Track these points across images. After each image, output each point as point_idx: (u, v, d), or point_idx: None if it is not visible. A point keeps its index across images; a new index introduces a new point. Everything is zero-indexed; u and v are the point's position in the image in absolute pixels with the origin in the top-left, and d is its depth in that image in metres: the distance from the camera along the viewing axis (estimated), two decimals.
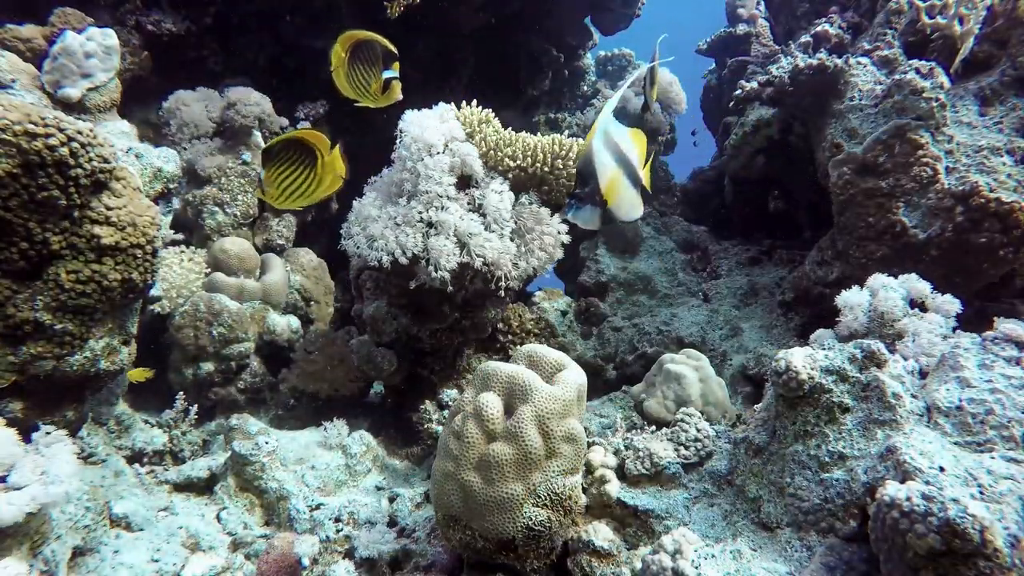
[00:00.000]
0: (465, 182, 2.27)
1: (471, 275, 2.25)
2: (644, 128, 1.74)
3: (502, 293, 2.31)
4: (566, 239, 2.33)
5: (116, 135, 2.34)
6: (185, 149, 2.86)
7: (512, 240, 2.24)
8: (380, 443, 2.45)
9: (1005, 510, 1.01)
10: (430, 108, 2.32)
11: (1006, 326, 1.35)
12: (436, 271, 2.13)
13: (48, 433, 1.54)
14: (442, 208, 2.17)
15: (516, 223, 2.28)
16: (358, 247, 2.23)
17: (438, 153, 2.19)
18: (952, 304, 1.58)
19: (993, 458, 1.14)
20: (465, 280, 2.28)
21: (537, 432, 1.40)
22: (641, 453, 1.56)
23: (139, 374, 2.46)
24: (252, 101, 2.94)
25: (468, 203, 2.24)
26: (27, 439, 1.52)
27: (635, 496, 1.52)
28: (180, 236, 2.81)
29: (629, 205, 1.62)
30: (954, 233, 2.09)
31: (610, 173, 1.57)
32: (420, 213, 2.18)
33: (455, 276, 2.22)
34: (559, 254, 2.35)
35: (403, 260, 2.15)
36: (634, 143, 1.64)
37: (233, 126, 2.91)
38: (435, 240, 2.14)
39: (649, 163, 1.68)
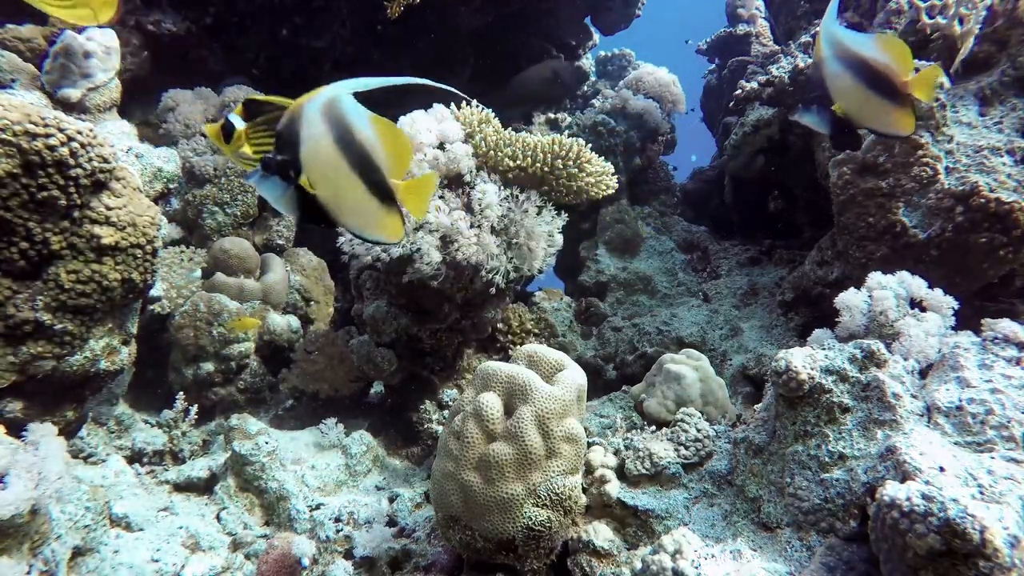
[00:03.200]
0: (459, 181, 2.27)
1: (469, 275, 2.26)
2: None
3: (492, 289, 2.32)
4: (561, 223, 2.35)
5: (116, 135, 2.34)
6: (183, 148, 2.86)
7: (501, 238, 2.25)
8: (380, 443, 2.45)
9: (1005, 510, 1.01)
10: (429, 108, 2.33)
11: (1005, 326, 1.35)
12: (425, 266, 2.15)
13: (42, 431, 1.53)
14: (433, 207, 2.19)
15: (513, 222, 2.28)
16: (352, 246, 2.24)
17: (423, 153, 2.21)
18: (950, 302, 1.58)
19: (993, 458, 1.14)
20: (464, 280, 2.28)
21: (537, 432, 1.40)
22: (641, 453, 1.56)
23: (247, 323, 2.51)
24: None
25: (460, 202, 2.25)
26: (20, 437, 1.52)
27: (635, 496, 1.52)
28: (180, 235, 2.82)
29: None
30: (954, 233, 2.09)
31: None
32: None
33: (452, 275, 2.23)
34: (557, 247, 2.36)
35: (390, 257, 2.17)
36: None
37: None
38: (424, 238, 2.16)
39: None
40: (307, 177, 1.21)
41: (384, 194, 1.26)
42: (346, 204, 1.26)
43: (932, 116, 2.21)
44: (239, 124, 1.43)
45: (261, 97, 1.47)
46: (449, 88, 1.41)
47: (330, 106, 1.20)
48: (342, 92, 1.21)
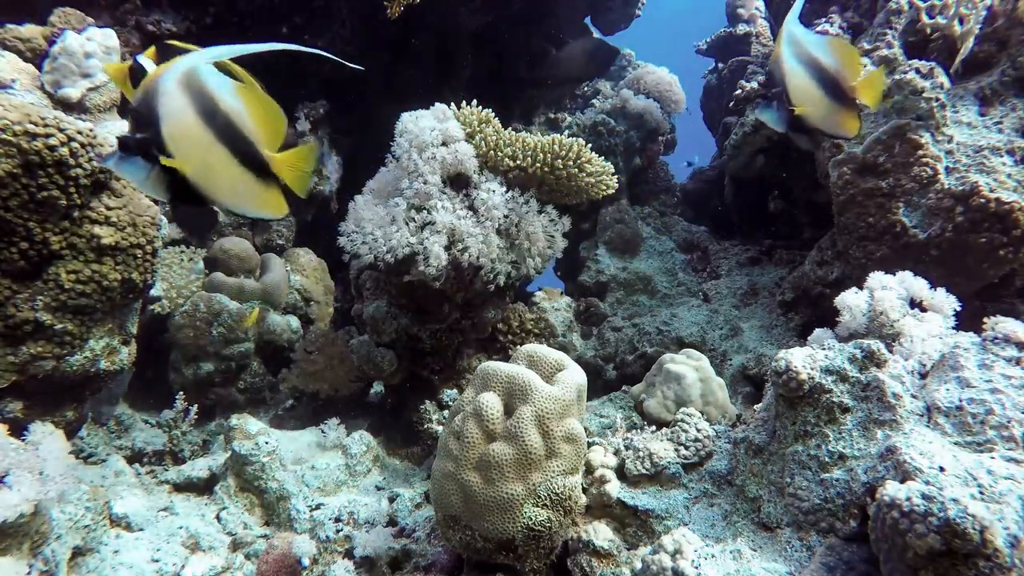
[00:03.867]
0: (461, 181, 2.27)
1: (470, 275, 2.26)
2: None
3: (492, 288, 2.31)
4: (562, 243, 2.35)
5: (116, 135, 2.33)
6: None
7: (503, 238, 2.25)
8: (380, 443, 2.45)
9: (1005, 510, 1.01)
10: (429, 108, 2.33)
11: (1005, 326, 1.34)
12: (429, 268, 2.14)
13: (43, 431, 1.53)
14: (435, 207, 2.19)
15: (513, 222, 2.28)
16: (354, 246, 2.24)
17: (432, 154, 2.21)
18: (950, 302, 1.58)
19: (993, 458, 1.14)
20: (464, 280, 2.28)
21: (537, 432, 1.40)
22: (641, 453, 1.56)
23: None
24: None
25: (464, 202, 2.25)
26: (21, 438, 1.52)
27: (635, 496, 1.52)
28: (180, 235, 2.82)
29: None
30: (954, 233, 2.09)
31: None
32: (414, 212, 2.19)
33: (453, 275, 2.23)
34: (558, 252, 2.36)
35: (394, 258, 2.16)
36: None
37: None
38: (429, 238, 2.15)
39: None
40: (173, 155, 1.12)
41: (259, 168, 1.18)
42: (219, 181, 1.17)
43: (932, 116, 2.22)
44: (150, 67, 1.29)
45: (178, 43, 1.37)
46: (321, 51, 1.32)
47: (189, 77, 1.11)
48: (200, 62, 1.13)
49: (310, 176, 1.28)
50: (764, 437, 1.47)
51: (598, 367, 2.95)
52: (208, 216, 1.27)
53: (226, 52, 1.15)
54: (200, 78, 1.11)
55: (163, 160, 1.11)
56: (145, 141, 1.11)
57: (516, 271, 2.33)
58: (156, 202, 2.42)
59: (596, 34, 4.71)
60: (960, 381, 1.31)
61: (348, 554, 1.82)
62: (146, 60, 1.28)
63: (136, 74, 1.28)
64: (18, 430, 1.53)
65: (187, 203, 1.21)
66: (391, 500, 2.03)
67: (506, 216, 2.25)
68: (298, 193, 1.23)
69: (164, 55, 1.29)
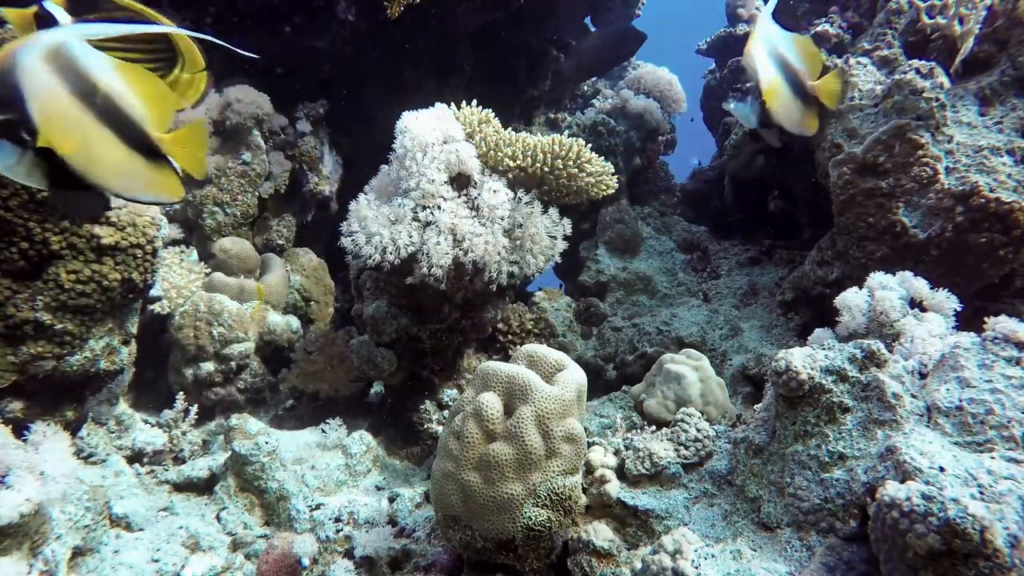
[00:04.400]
0: (463, 181, 2.27)
1: (470, 275, 2.26)
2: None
3: (493, 288, 2.31)
4: (568, 231, 2.34)
5: None
6: None
7: (507, 237, 2.25)
8: (380, 443, 2.45)
9: (1005, 510, 1.01)
10: (430, 108, 2.33)
11: (1005, 326, 1.34)
12: (431, 268, 2.14)
13: (44, 432, 1.53)
14: (436, 207, 2.18)
15: (514, 222, 2.28)
16: (356, 245, 2.23)
17: (433, 153, 2.20)
18: (951, 302, 1.58)
19: (993, 458, 1.14)
20: (464, 280, 2.28)
21: (537, 432, 1.40)
22: (641, 453, 1.56)
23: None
24: (251, 100, 2.94)
25: (464, 202, 2.24)
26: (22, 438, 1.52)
27: (635, 496, 1.52)
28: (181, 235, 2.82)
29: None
30: (954, 233, 2.09)
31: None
32: (415, 211, 2.19)
33: (453, 275, 2.23)
34: (559, 251, 2.36)
35: (398, 258, 2.16)
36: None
37: (232, 125, 2.91)
38: (431, 238, 2.15)
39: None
40: (47, 138, 1.03)
41: (149, 150, 1.11)
42: (104, 165, 1.09)
43: (932, 116, 2.22)
44: (62, 17, 1.19)
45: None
46: (204, 36, 1.25)
47: (57, 54, 1.01)
48: (70, 37, 1.03)
49: (205, 156, 1.23)
50: (764, 437, 1.47)
51: (598, 367, 2.95)
52: (92, 200, 1.16)
53: (99, 31, 1.08)
54: (71, 55, 1.02)
55: (40, 141, 1.03)
56: (10, 123, 1.01)
57: (518, 271, 2.32)
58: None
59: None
60: (960, 381, 1.31)
61: (348, 554, 1.82)
62: (56, 8, 1.16)
63: (43, 23, 1.16)
64: (19, 430, 1.53)
65: (72, 188, 1.12)
66: (391, 500, 2.04)
67: (508, 216, 2.25)
68: (194, 174, 1.16)
69: (77, 6, 1.19)
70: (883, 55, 2.58)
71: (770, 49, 1.55)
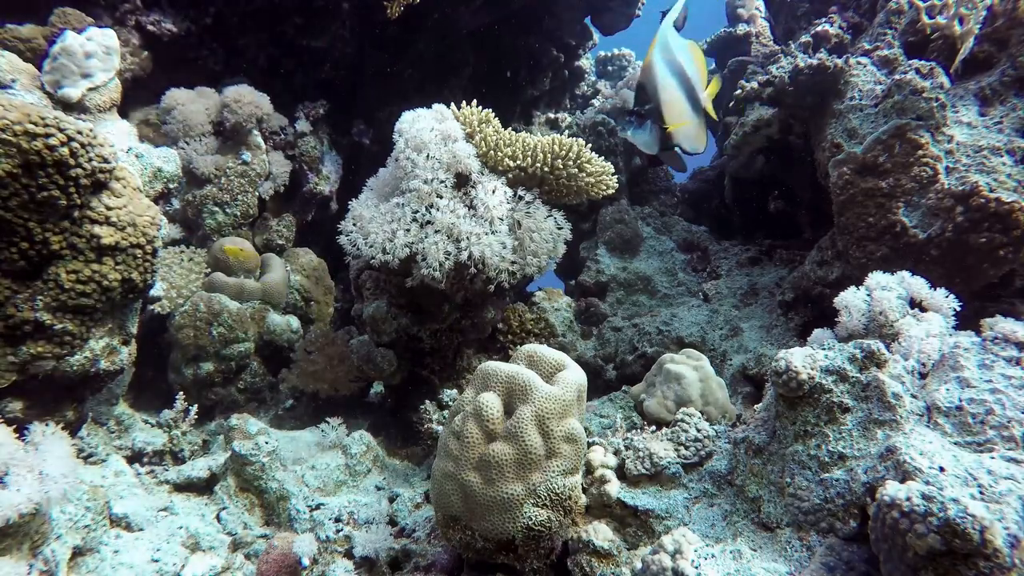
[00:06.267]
0: (462, 181, 2.27)
1: (470, 275, 2.26)
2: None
3: (492, 288, 2.31)
4: (567, 235, 2.34)
5: (116, 135, 2.34)
6: (183, 148, 2.86)
7: (507, 237, 2.25)
8: (380, 443, 2.45)
9: (1005, 510, 1.01)
10: (429, 108, 2.32)
11: (1005, 326, 1.34)
12: (429, 268, 2.14)
13: (44, 431, 1.53)
14: (435, 206, 2.18)
15: (514, 222, 2.28)
16: (354, 246, 2.23)
17: (432, 153, 2.20)
18: (950, 302, 1.58)
19: (993, 458, 1.14)
20: (464, 280, 2.28)
21: (537, 432, 1.40)
22: (641, 453, 1.56)
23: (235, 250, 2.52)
24: (251, 100, 2.94)
25: (464, 201, 2.24)
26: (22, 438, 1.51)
27: (635, 496, 1.52)
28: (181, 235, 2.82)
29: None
30: (954, 233, 2.09)
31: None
32: (414, 211, 2.19)
33: (453, 275, 2.22)
34: (560, 253, 2.35)
35: (396, 259, 2.16)
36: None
37: (232, 125, 2.91)
38: (428, 238, 2.15)
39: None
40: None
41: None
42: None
43: (932, 116, 2.22)
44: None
45: None
46: None
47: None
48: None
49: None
50: (764, 437, 1.47)
51: (598, 367, 2.95)
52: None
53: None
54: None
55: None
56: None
57: (518, 271, 2.32)
58: (156, 201, 2.42)
59: (596, 34, 4.71)
60: (960, 381, 1.31)
61: (348, 554, 1.82)
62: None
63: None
64: (19, 430, 1.53)
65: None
66: (391, 500, 2.04)
67: (508, 215, 2.25)
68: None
69: None
70: (883, 55, 2.58)
71: (669, 60, 1.43)
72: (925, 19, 2.48)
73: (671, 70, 1.41)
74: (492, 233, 2.20)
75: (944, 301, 1.59)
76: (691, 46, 1.44)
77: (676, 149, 1.55)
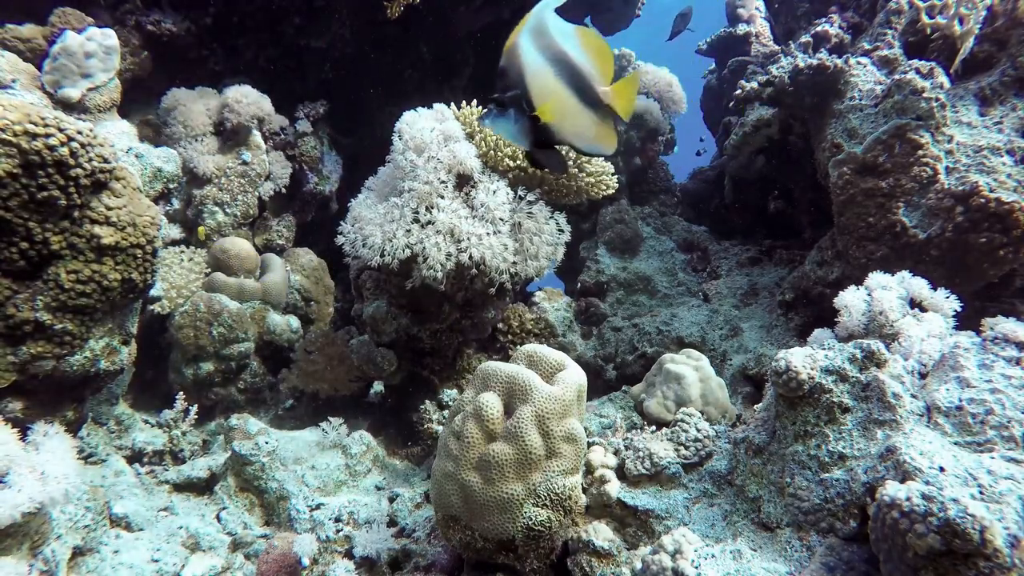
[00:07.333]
0: (463, 181, 2.27)
1: (470, 275, 2.26)
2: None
3: (492, 289, 2.31)
4: (567, 237, 2.33)
5: (116, 135, 2.34)
6: (184, 148, 2.86)
7: (508, 238, 2.24)
8: (380, 443, 2.45)
9: (1005, 510, 1.01)
10: (430, 108, 2.32)
11: (1005, 326, 1.34)
12: (430, 270, 2.13)
13: (46, 431, 1.53)
14: (436, 207, 2.18)
15: (515, 222, 2.27)
16: (353, 246, 2.23)
17: (432, 153, 2.20)
18: (950, 302, 1.58)
19: (993, 458, 1.14)
20: (465, 280, 2.28)
21: (537, 432, 1.40)
22: (641, 453, 1.56)
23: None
24: (251, 100, 2.94)
25: (465, 202, 2.24)
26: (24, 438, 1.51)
27: (635, 496, 1.52)
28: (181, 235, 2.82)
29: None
30: (954, 233, 2.09)
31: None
32: (414, 212, 2.18)
33: (453, 276, 2.22)
34: (559, 256, 2.35)
35: (395, 260, 2.15)
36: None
37: (232, 125, 2.91)
38: (429, 239, 2.14)
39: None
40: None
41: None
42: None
43: (932, 116, 2.22)
44: None
45: None
46: None
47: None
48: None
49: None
50: (764, 437, 1.47)
51: (598, 367, 2.95)
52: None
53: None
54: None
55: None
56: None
57: (519, 272, 2.32)
58: (156, 201, 2.42)
59: None
60: (960, 381, 1.31)
61: (348, 554, 1.82)
62: None
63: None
64: (20, 430, 1.53)
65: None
66: (391, 500, 2.04)
67: (509, 216, 2.24)
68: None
69: None
70: (883, 55, 2.58)
71: (544, 44, 1.23)
72: (925, 19, 2.48)
73: (547, 56, 1.23)
74: (494, 234, 2.20)
75: (944, 301, 1.58)
76: (581, 31, 1.25)
77: (564, 148, 1.38)
